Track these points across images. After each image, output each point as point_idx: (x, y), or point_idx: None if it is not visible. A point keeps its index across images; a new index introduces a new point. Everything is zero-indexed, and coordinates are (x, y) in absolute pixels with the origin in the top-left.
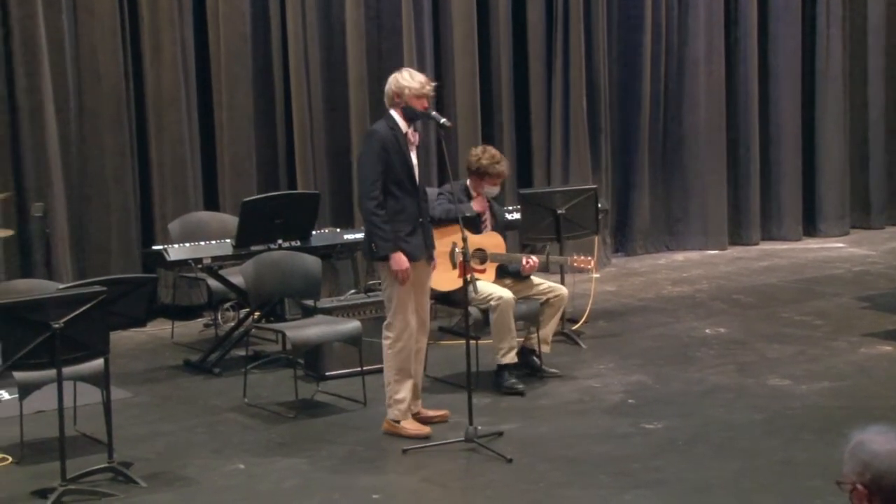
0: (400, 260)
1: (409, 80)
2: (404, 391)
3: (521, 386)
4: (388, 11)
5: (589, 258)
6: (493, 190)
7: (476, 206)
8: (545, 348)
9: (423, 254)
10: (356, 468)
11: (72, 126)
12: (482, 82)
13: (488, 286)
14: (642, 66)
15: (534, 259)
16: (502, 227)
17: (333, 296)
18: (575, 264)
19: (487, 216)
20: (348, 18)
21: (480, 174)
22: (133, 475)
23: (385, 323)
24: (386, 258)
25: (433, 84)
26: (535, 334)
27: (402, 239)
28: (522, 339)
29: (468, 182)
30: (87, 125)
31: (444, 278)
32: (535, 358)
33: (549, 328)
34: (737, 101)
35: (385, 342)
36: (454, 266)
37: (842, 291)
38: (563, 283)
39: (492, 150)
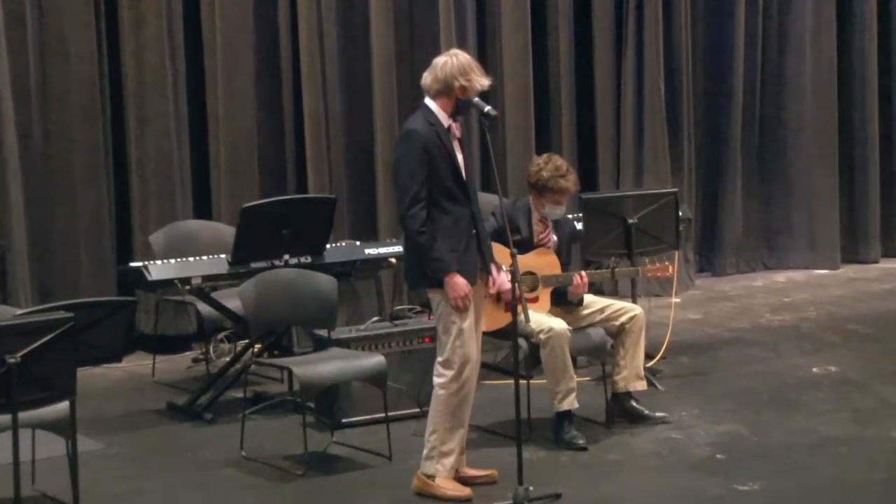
0: (456, 284)
1: (481, 76)
2: (454, 442)
3: (582, 441)
4: None
5: (666, 264)
6: (557, 210)
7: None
8: (639, 385)
9: (477, 273)
10: None
11: (33, 114)
12: (536, 62)
13: (537, 316)
14: (734, 43)
15: (582, 276)
16: (568, 245)
17: (352, 324)
18: (648, 274)
19: (547, 234)
20: None
21: (540, 189)
22: None
23: (440, 359)
24: (441, 283)
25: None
26: (622, 374)
27: (457, 263)
28: (596, 380)
29: (531, 199)
30: (51, 114)
31: (490, 314)
32: (633, 403)
33: (637, 360)
34: (851, 87)
35: (439, 380)
36: (499, 299)
37: None
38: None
39: (557, 161)
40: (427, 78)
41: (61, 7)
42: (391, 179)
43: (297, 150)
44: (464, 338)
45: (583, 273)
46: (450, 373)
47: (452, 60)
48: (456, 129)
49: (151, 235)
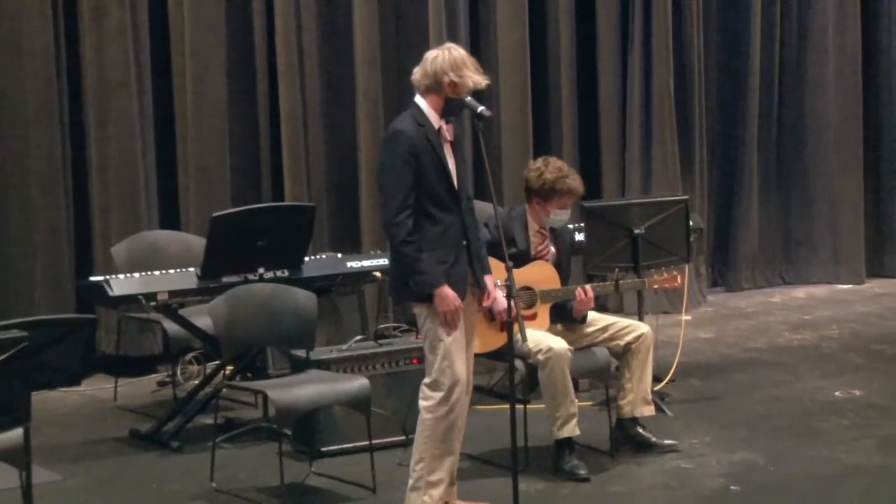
0: (446, 298)
1: (475, 73)
2: (442, 471)
3: (584, 471)
4: None
5: (674, 273)
6: (562, 215)
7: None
8: (646, 410)
9: (468, 286)
10: None
11: None
12: (534, 58)
13: (535, 335)
14: (750, 37)
15: (587, 291)
16: (568, 257)
17: (333, 344)
18: (655, 286)
19: (545, 246)
20: None
21: (545, 194)
22: None
23: (427, 381)
24: (427, 297)
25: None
26: (627, 398)
27: (444, 276)
28: (608, 405)
29: (527, 208)
30: (4, 114)
31: (482, 335)
32: (639, 430)
33: (644, 383)
34: (878, 84)
35: (425, 404)
36: (493, 317)
37: None
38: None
39: (557, 162)
40: (417, 73)
41: None
42: (376, 185)
43: (273, 154)
44: (452, 357)
45: (587, 287)
46: (438, 395)
47: (444, 54)
48: (447, 132)
49: (113, 247)
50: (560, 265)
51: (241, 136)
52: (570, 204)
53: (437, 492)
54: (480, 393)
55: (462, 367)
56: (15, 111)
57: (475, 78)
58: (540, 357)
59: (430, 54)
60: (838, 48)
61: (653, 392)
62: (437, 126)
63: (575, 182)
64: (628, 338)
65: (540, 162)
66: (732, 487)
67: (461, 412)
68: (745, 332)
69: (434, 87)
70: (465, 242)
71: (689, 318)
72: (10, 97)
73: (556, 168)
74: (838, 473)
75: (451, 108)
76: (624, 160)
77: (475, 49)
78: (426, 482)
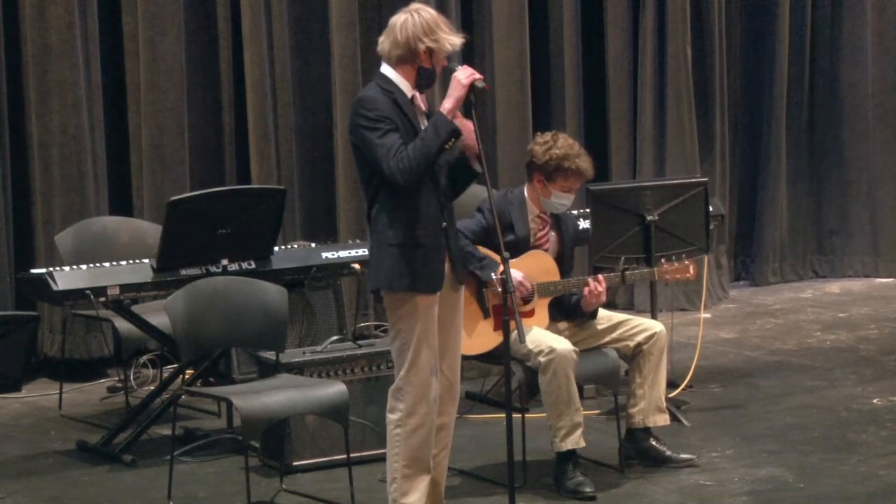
0: (458, 81)
1: (450, 34)
2: (417, 492)
3: (589, 488)
4: None
5: (686, 263)
6: (564, 201)
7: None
8: (660, 420)
9: (444, 279)
10: None
11: None
12: (533, 21)
13: (535, 335)
14: None
15: (600, 282)
16: (571, 246)
17: (306, 345)
18: (666, 276)
19: (546, 233)
20: None
21: (549, 172)
22: None
23: (393, 387)
24: (400, 288)
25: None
26: (639, 406)
27: (422, 261)
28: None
29: (526, 190)
30: None
31: (474, 334)
32: (652, 442)
33: (657, 389)
34: None
35: (392, 416)
36: (486, 313)
37: None
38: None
39: (568, 139)
40: (384, 43)
41: None
42: (356, 166)
43: (238, 131)
44: (420, 361)
45: (600, 277)
46: (404, 406)
47: (413, 18)
48: (422, 102)
49: (57, 235)
50: (561, 255)
51: (201, 109)
52: (575, 188)
53: None
54: (473, 401)
55: (433, 375)
56: None
57: (452, 40)
58: (541, 359)
59: (397, 20)
60: (878, 8)
61: (667, 399)
62: (409, 95)
63: (585, 163)
64: (639, 338)
65: (549, 135)
66: None
67: (444, 424)
68: (771, 332)
69: (408, 56)
70: (443, 224)
71: (708, 315)
72: None
73: (567, 144)
74: (877, 491)
75: (426, 78)
76: (634, 137)
77: (466, 10)
78: None
